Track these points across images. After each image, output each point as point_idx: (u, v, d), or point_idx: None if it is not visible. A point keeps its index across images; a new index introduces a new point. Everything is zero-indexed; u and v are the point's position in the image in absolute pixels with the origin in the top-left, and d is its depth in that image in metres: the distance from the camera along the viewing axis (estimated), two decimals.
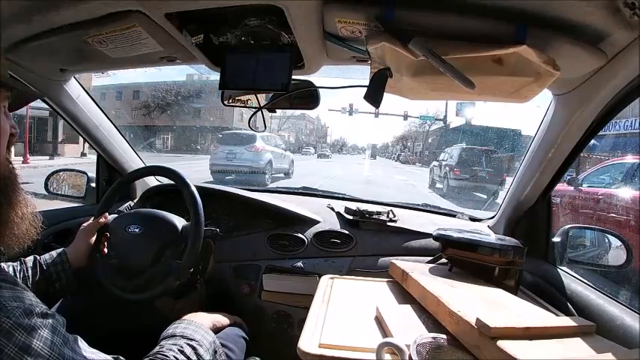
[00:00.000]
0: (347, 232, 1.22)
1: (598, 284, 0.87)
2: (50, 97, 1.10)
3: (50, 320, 0.49)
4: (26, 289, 0.51)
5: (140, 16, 0.72)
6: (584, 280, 0.90)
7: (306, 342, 0.65)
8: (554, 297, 0.89)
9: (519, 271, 0.89)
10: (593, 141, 0.93)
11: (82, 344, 0.55)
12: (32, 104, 0.70)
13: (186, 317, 0.81)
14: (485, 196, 7.84)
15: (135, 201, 1.38)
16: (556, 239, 1.04)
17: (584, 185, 4.10)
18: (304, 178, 10.57)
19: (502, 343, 0.54)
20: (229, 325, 0.92)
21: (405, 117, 21.85)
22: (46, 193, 1.41)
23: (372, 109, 0.74)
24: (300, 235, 1.22)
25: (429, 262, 1.06)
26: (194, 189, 0.99)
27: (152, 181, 1.48)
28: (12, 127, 0.57)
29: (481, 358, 0.56)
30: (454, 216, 1.39)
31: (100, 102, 1.27)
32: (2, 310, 0.45)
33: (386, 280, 0.97)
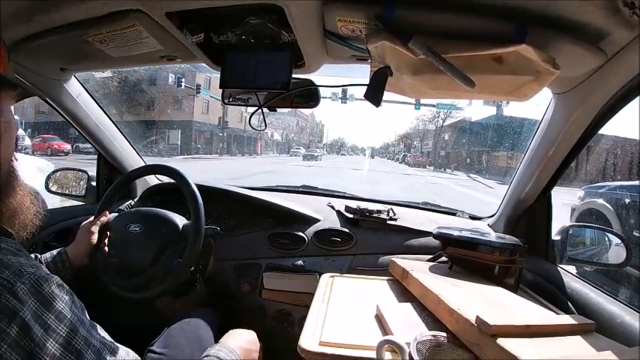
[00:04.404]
0: (347, 231, 1.22)
1: (598, 282, 0.87)
2: (51, 96, 1.10)
3: (66, 289, 0.52)
4: (41, 264, 0.52)
5: (141, 15, 0.72)
6: (584, 279, 0.90)
7: (307, 340, 0.65)
8: (554, 295, 0.89)
9: (519, 270, 0.89)
10: None
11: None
12: None
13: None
14: None
15: (135, 200, 1.38)
16: (556, 238, 1.04)
17: None
18: None
19: (502, 341, 0.54)
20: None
21: (417, 105, 17.03)
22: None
23: None
24: (300, 234, 1.23)
25: (429, 260, 1.06)
26: (195, 188, 0.99)
27: (153, 179, 1.49)
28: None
29: (481, 356, 0.57)
30: (454, 214, 1.39)
31: None
32: (18, 275, 0.47)
33: (386, 278, 0.98)
